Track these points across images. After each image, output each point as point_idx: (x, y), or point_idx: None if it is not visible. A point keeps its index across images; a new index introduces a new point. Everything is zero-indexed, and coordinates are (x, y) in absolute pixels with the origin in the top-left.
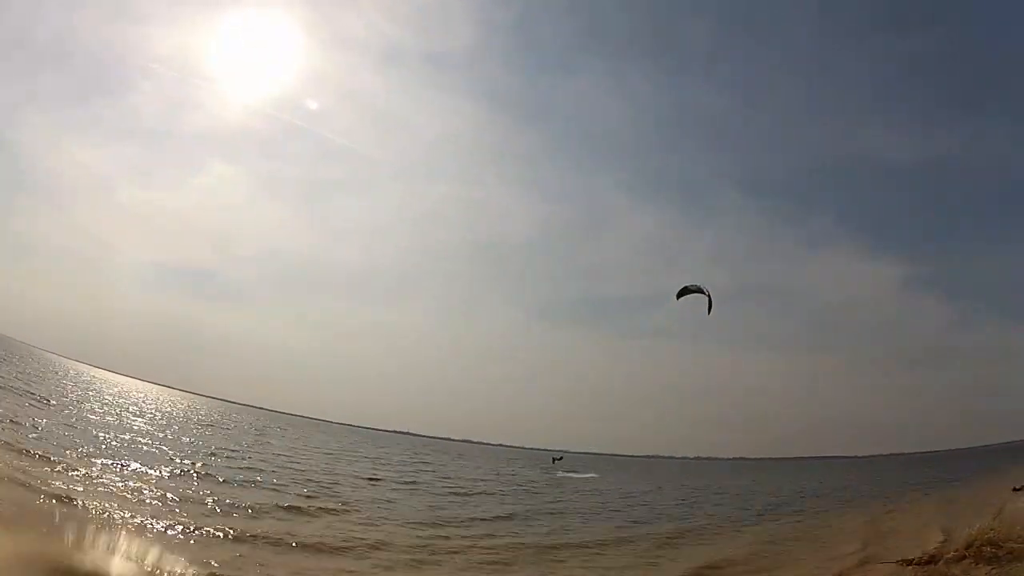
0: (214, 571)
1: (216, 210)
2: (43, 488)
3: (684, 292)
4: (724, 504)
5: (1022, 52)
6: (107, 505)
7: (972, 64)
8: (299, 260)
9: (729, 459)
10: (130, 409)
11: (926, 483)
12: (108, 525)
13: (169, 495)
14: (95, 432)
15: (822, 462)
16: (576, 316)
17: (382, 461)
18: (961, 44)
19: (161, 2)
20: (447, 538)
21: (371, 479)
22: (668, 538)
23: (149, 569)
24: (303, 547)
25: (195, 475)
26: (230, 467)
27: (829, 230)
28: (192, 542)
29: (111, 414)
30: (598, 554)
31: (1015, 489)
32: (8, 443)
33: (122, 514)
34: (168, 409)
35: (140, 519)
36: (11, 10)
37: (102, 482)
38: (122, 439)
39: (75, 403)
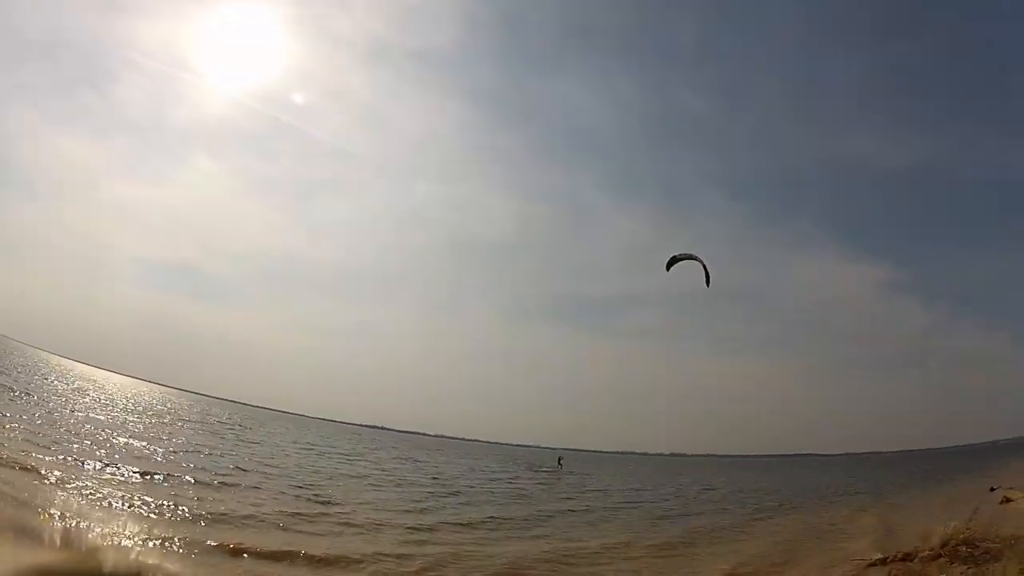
0: None
1: (200, 206)
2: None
3: (674, 261)
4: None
5: (1007, 60)
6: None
7: (958, 71)
8: (282, 257)
9: (703, 456)
10: (110, 404)
11: (903, 482)
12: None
13: (151, 499)
14: (73, 428)
15: (798, 460)
16: (554, 314)
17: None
18: (948, 51)
19: None
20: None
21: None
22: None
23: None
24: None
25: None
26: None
27: (809, 232)
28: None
29: (92, 409)
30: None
31: (992, 489)
32: None
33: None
34: (158, 405)
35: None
36: None
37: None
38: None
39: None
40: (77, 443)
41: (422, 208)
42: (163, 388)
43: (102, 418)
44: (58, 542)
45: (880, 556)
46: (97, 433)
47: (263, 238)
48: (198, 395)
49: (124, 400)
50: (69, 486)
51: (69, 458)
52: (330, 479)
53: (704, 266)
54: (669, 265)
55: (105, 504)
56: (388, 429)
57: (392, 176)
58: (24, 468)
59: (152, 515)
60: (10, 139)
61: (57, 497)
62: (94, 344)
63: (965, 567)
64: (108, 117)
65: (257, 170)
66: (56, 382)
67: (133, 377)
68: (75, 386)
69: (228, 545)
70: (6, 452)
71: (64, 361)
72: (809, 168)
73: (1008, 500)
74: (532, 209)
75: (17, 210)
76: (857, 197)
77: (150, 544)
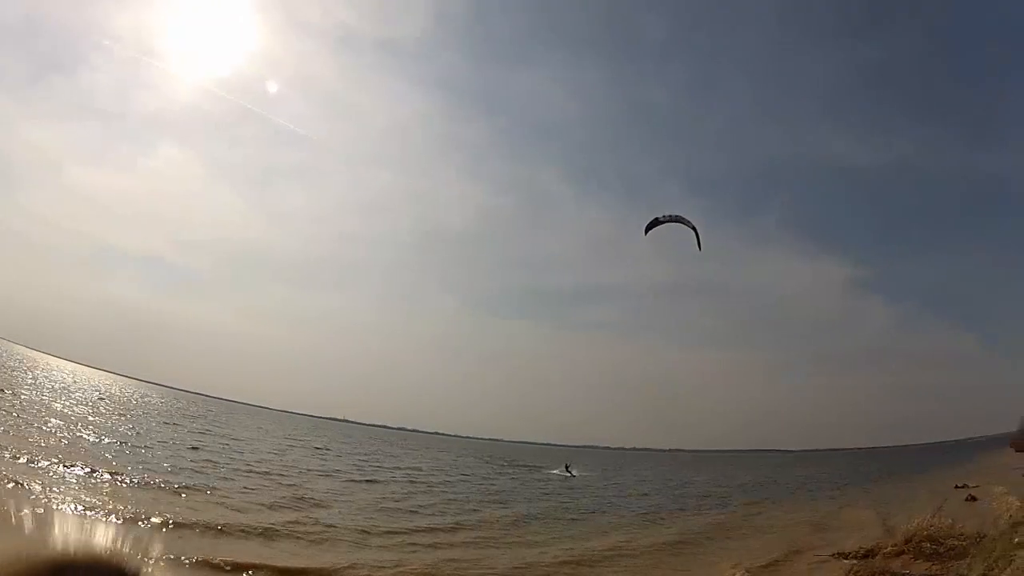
0: None
1: (165, 193)
2: None
3: (654, 224)
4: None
5: (978, 64)
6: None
7: (928, 74)
8: (246, 245)
9: (666, 451)
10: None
11: (868, 478)
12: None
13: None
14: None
15: (760, 456)
16: (516, 307)
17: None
18: (918, 54)
19: None
20: None
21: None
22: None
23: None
24: None
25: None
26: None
27: (773, 229)
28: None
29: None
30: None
31: (957, 486)
32: None
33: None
34: (120, 396)
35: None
36: None
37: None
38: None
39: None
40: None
41: (385, 197)
42: (125, 379)
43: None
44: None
45: (840, 551)
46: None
47: (227, 226)
48: (161, 386)
49: (84, 391)
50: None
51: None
52: (305, 477)
53: (694, 229)
54: (648, 228)
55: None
56: (350, 422)
57: (357, 165)
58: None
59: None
60: None
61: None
62: (56, 334)
63: (929, 564)
64: (76, 102)
65: (223, 158)
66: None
67: (96, 368)
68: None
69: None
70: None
71: (28, 351)
72: (775, 165)
73: (973, 498)
74: (495, 200)
75: None
76: (822, 195)
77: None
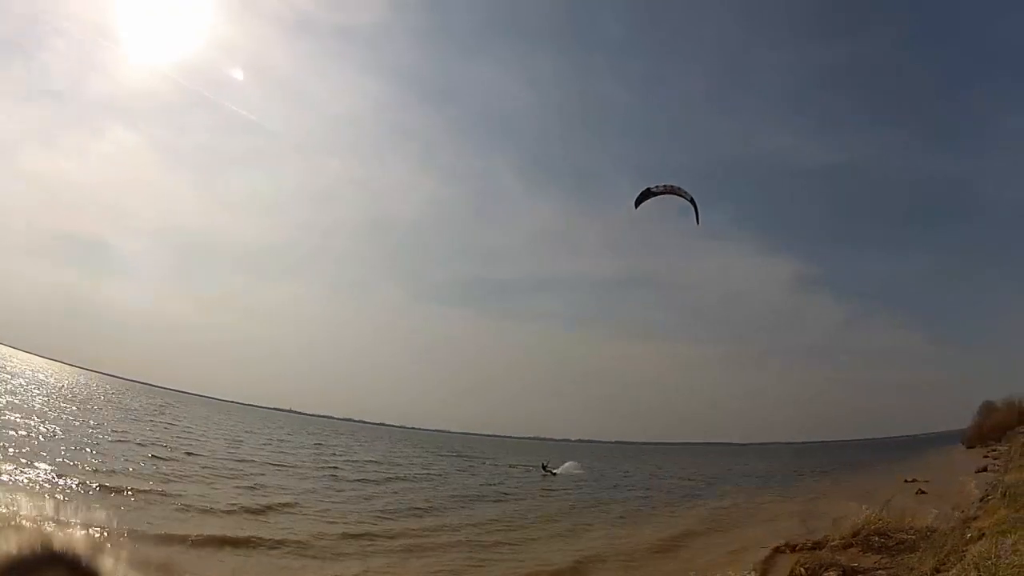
0: None
1: (116, 178)
2: None
3: (646, 196)
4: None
5: (937, 69)
6: None
7: (886, 77)
8: (194, 233)
9: (612, 442)
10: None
11: (817, 471)
12: None
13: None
14: None
15: (710, 448)
16: (465, 298)
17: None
18: (878, 56)
19: None
20: None
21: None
22: None
23: None
24: None
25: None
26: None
27: (724, 225)
28: None
29: None
30: None
31: (907, 481)
32: None
33: None
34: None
35: None
36: None
37: None
38: None
39: None
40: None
41: (337, 187)
42: (71, 368)
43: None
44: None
45: (788, 543)
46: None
47: (178, 214)
48: (108, 376)
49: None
50: None
51: None
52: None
53: (692, 201)
54: (639, 201)
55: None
56: (297, 412)
57: (309, 153)
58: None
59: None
60: None
61: None
62: (2, 320)
63: (879, 557)
64: (31, 84)
65: (174, 144)
66: None
67: (39, 356)
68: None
69: None
70: None
71: None
72: (728, 162)
73: (923, 492)
74: (446, 191)
75: None
76: (775, 192)
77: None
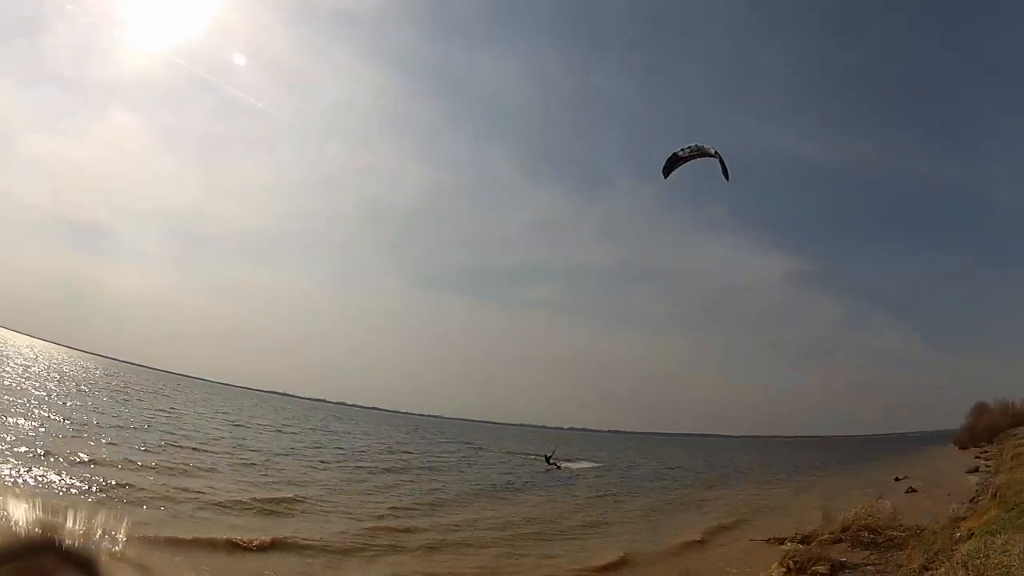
0: None
1: (116, 162)
2: None
3: (674, 164)
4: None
5: (943, 72)
6: None
7: (893, 78)
8: (193, 217)
9: (606, 431)
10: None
11: (810, 466)
12: None
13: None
14: None
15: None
16: (462, 285)
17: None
18: (886, 57)
19: None
20: None
21: None
22: None
23: None
24: None
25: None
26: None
27: (723, 219)
28: None
29: None
30: None
31: (897, 479)
32: None
33: None
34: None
35: None
36: None
37: None
38: None
39: None
40: None
41: (334, 172)
42: (71, 351)
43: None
44: None
45: (777, 536)
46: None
47: (176, 198)
48: (107, 359)
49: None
50: None
51: None
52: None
53: (720, 159)
54: (668, 170)
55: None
56: (290, 395)
57: (306, 138)
58: None
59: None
60: None
61: None
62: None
63: (868, 553)
64: (35, 68)
65: (174, 127)
66: None
67: (39, 339)
68: None
69: None
70: None
71: None
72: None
73: (913, 490)
74: (444, 179)
75: None
76: (775, 190)
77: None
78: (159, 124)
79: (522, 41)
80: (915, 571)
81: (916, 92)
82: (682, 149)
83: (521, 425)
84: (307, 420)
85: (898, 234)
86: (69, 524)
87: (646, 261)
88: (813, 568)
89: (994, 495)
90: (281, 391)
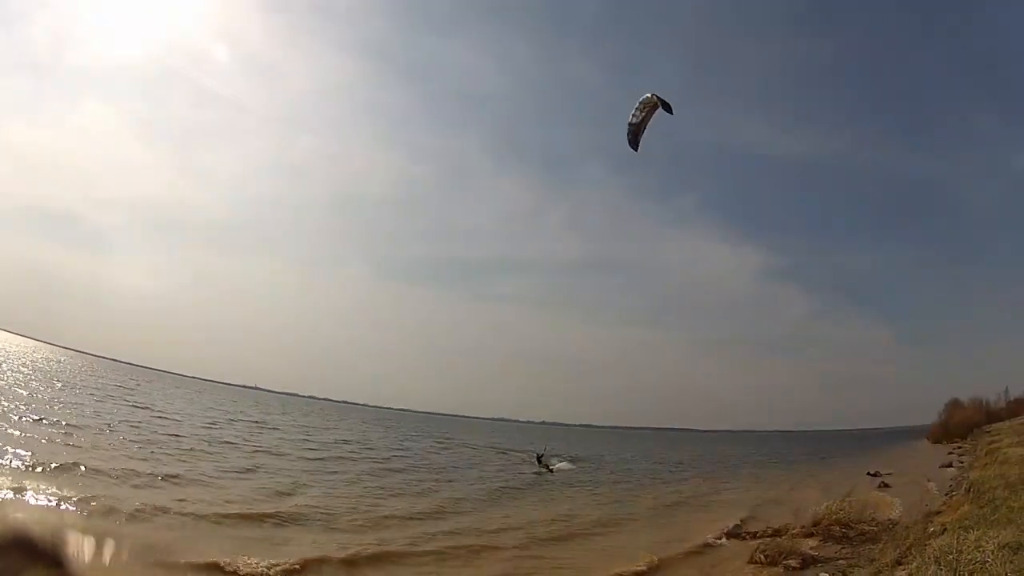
0: None
1: (89, 150)
2: None
3: (636, 134)
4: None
5: (917, 67)
6: None
7: (866, 71)
8: (164, 206)
9: (578, 425)
10: None
11: (780, 459)
12: None
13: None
14: None
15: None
16: (433, 277)
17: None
18: (861, 50)
19: None
20: None
21: None
22: None
23: None
24: None
25: None
26: None
27: (692, 212)
28: None
29: None
30: None
31: (870, 474)
32: None
33: None
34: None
35: None
36: None
37: None
38: None
39: None
40: None
41: (307, 162)
42: (32, 342)
43: None
44: None
45: (749, 530)
46: None
47: (146, 186)
48: (72, 351)
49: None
50: None
51: None
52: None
53: (660, 99)
54: (635, 143)
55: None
56: (263, 390)
57: (280, 128)
58: None
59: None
60: None
61: None
62: None
63: (840, 547)
64: (12, 57)
65: (146, 116)
66: None
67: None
68: None
69: None
70: None
71: None
72: (699, 149)
73: (886, 485)
74: (414, 169)
75: None
76: (746, 183)
77: None
78: (132, 113)
79: (492, 30)
80: (888, 565)
81: (889, 87)
82: (633, 115)
83: (492, 419)
84: (282, 415)
85: (870, 228)
86: (38, 522)
87: (616, 253)
88: (785, 562)
89: (968, 490)
90: (252, 385)
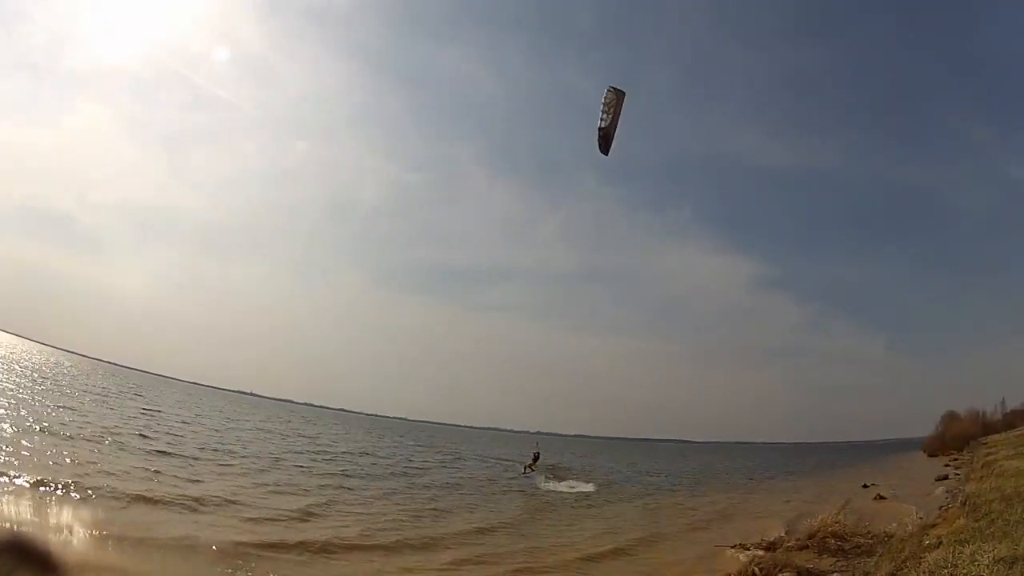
0: None
1: (83, 151)
2: None
3: (607, 137)
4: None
5: (901, 75)
6: None
7: (860, 82)
8: (157, 208)
9: (571, 436)
10: None
11: (774, 471)
12: None
13: None
14: None
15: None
16: (425, 285)
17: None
18: (855, 61)
19: None
20: None
21: None
22: None
23: None
24: None
25: None
26: None
27: (685, 222)
28: None
29: None
30: None
31: (865, 485)
32: None
33: None
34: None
35: None
36: None
37: None
38: None
39: None
40: None
41: (300, 167)
42: (26, 342)
43: None
44: None
45: (741, 543)
46: None
47: (140, 189)
48: (65, 352)
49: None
50: None
51: None
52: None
53: (613, 88)
54: (605, 146)
55: None
56: (256, 395)
57: (274, 132)
58: None
59: None
60: None
61: None
62: None
63: (835, 560)
64: (9, 56)
65: (141, 118)
66: None
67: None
68: None
69: None
70: None
71: None
72: (692, 159)
73: (881, 497)
74: (407, 176)
75: None
76: (738, 193)
77: None
78: (128, 115)
79: (488, 38)
80: None
81: (881, 96)
82: (601, 119)
83: (483, 428)
84: (280, 422)
85: (864, 238)
86: (30, 524)
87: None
88: (779, 574)
89: (963, 503)
90: (247, 391)
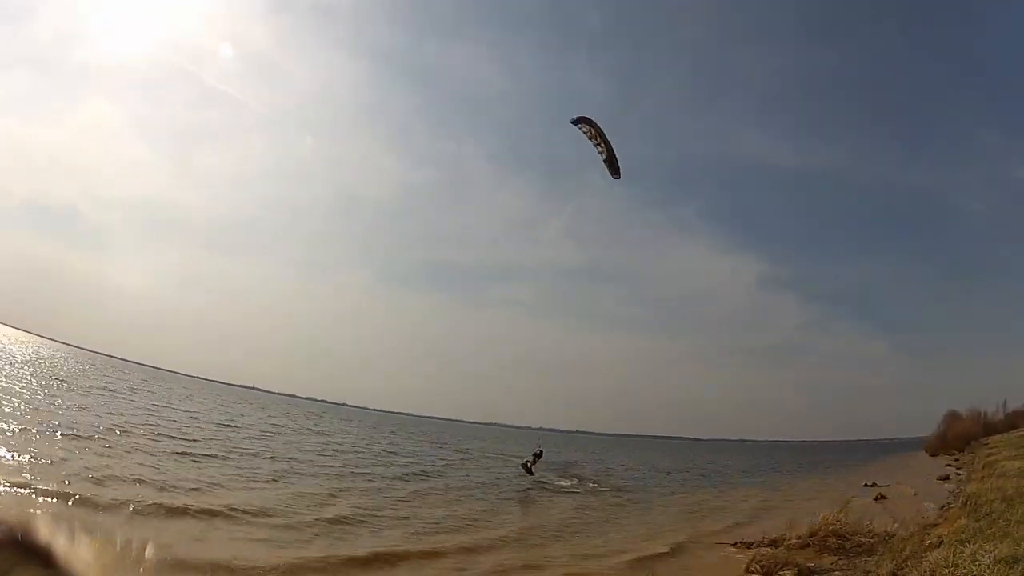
0: None
1: (90, 148)
2: None
3: (611, 160)
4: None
5: (912, 77)
6: None
7: (868, 85)
8: (164, 205)
9: (572, 432)
10: None
11: (777, 470)
12: None
13: None
14: None
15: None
16: (431, 282)
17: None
18: (863, 64)
19: None
20: None
21: None
22: None
23: None
24: None
25: None
26: None
27: (692, 221)
28: None
29: None
30: None
31: (866, 484)
32: None
33: None
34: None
35: None
36: None
37: None
38: None
39: None
40: None
41: (307, 164)
42: (34, 337)
43: None
44: None
45: (743, 540)
46: None
47: (147, 185)
48: (69, 345)
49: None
50: None
51: None
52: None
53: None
54: (616, 171)
55: None
56: (259, 390)
57: (280, 130)
58: None
59: None
60: None
61: None
62: None
63: (836, 558)
64: (17, 52)
65: (147, 115)
66: None
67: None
68: None
69: None
70: None
71: None
72: (699, 160)
73: (883, 497)
74: (415, 174)
75: None
76: (747, 192)
77: None
78: (136, 112)
79: (498, 36)
80: None
81: (889, 99)
82: (598, 151)
83: (486, 424)
84: (289, 418)
85: (869, 239)
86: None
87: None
88: (780, 572)
89: (965, 503)
90: (251, 385)
